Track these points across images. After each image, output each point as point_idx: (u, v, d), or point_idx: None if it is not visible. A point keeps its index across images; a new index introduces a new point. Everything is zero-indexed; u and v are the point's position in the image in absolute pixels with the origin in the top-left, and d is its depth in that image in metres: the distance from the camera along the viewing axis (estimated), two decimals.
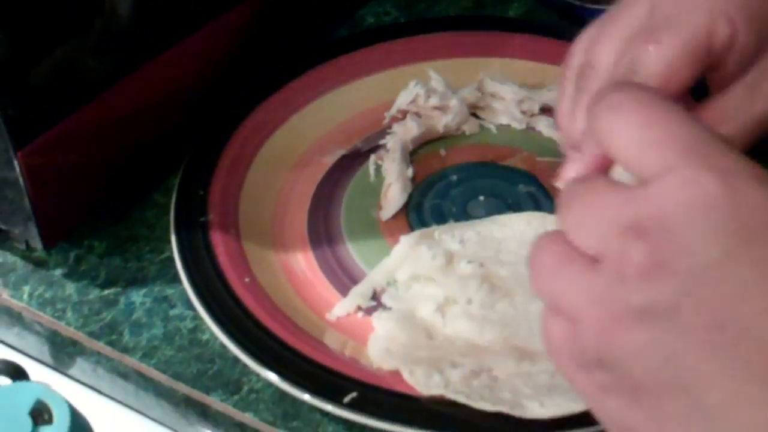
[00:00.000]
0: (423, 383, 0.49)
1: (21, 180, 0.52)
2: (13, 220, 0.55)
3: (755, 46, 0.46)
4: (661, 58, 0.45)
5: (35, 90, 0.52)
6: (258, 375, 0.52)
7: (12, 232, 0.56)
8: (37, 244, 0.55)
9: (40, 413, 0.46)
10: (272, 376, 0.49)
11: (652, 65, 0.45)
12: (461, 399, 0.48)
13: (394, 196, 0.60)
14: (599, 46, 0.48)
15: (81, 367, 0.56)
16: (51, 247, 0.56)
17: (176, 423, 0.54)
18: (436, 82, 0.64)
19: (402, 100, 0.64)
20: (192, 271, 0.54)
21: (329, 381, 0.49)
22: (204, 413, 0.53)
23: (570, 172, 0.44)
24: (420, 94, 0.64)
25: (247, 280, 0.54)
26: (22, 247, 0.56)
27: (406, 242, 0.57)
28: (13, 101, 0.51)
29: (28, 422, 0.46)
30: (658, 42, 0.45)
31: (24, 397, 0.47)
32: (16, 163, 0.52)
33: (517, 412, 0.47)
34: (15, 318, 0.57)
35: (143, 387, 0.54)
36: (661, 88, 0.44)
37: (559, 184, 0.45)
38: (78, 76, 0.54)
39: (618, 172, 0.39)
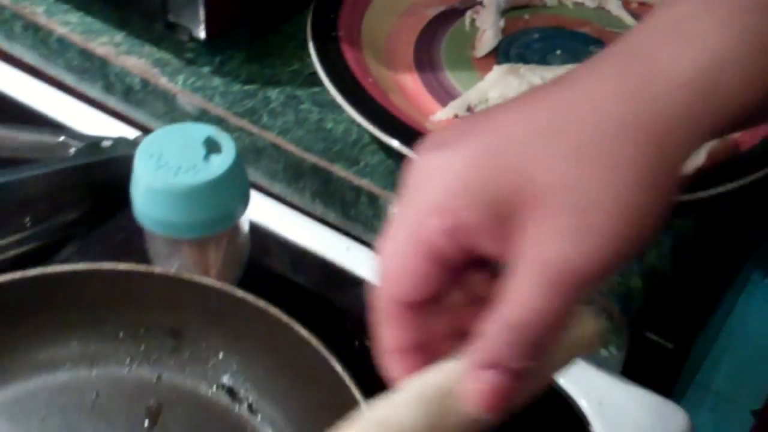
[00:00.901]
0: None
1: None
2: (184, 10, 0.66)
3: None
4: None
5: None
6: (373, 153, 0.64)
7: (179, 24, 0.67)
8: (200, 33, 0.67)
9: (211, 145, 0.58)
10: (394, 143, 0.61)
11: None
12: None
13: (487, 38, 0.72)
14: None
15: None
16: (212, 35, 0.67)
17: (298, 197, 0.66)
18: None
19: None
20: (326, 64, 0.65)
21: None
22: (326, 182, 0.64)
23: None
24: None
25: (370, 80, 0.66)
26: (185, 38, 0.68)
27: (497, 70, 0.69)
28: None
29: (202, 150, 0.57)
30: None
31: (198, 132, 0.58)
32: None
33: None
34: (169, 101, 0.69)
35: (275, 159, 0.66)
36: None
37: None
38: None
39: None
